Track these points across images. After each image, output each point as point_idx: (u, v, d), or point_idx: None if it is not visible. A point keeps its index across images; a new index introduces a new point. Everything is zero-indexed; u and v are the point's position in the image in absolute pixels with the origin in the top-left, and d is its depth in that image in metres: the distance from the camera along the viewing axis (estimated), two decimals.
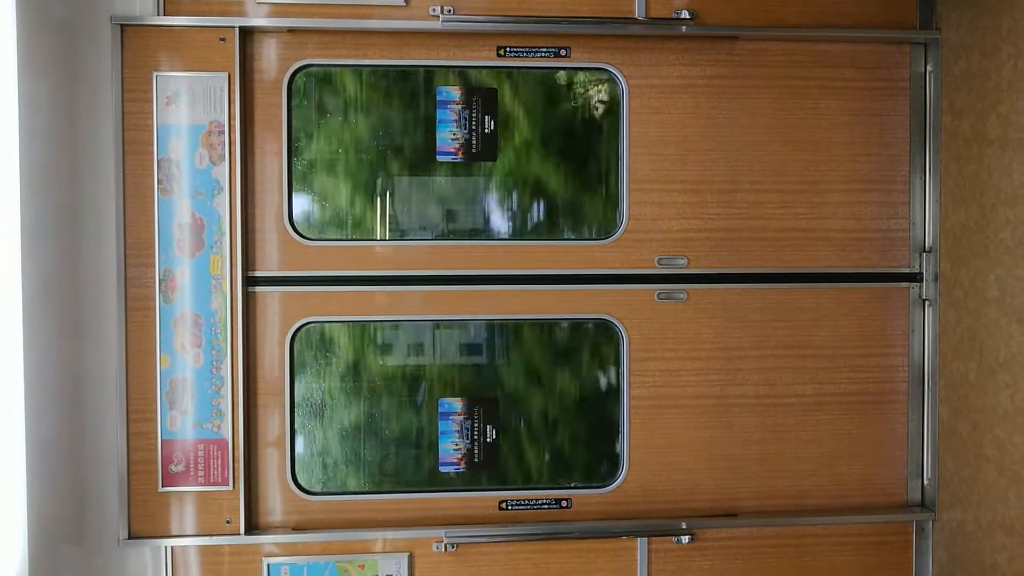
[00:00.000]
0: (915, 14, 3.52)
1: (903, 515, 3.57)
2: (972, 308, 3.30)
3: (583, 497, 3.53)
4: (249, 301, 3.34)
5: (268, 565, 3.35)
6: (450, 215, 3.61)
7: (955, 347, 3.41)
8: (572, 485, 3.58)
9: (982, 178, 3.24)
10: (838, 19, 3.48)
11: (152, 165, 3.24)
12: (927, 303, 3.55)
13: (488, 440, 3.53)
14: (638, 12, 3.39)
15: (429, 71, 3.47)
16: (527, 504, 3.49)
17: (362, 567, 3.39)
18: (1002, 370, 3.13)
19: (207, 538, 3.30)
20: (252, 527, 3.36)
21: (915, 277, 3.57)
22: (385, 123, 3.54)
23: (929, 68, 3.53)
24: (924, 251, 3.55)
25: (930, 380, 3.54)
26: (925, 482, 3.58)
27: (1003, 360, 3.12)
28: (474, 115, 3.48)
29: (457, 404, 3.55)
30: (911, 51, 3.55)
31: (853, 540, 3.57)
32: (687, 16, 3.37)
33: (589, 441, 3.64)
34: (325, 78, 3.44)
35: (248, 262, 3.33)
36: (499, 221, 3.57)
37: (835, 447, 3.57)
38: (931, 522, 3.55)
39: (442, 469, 3.54)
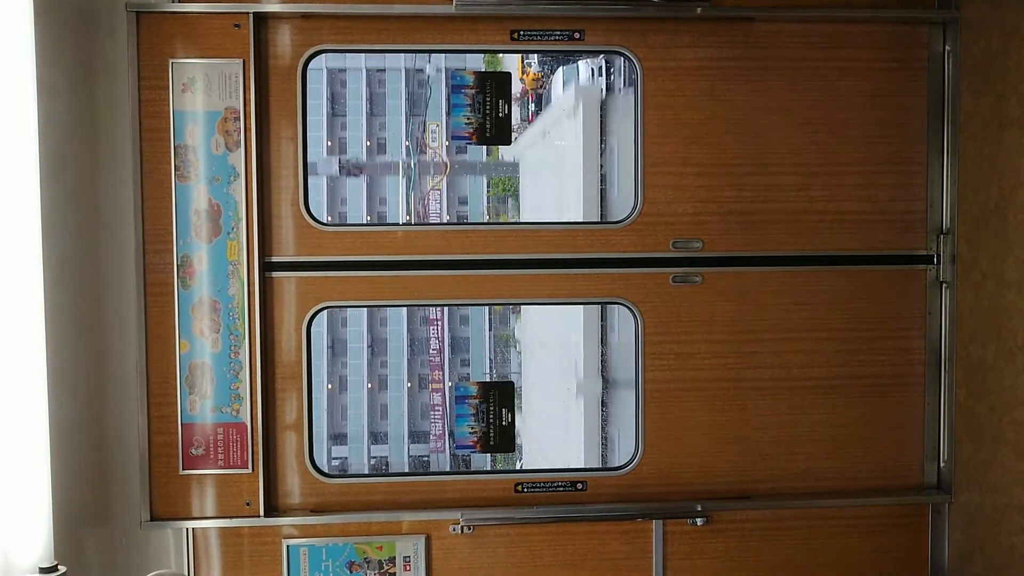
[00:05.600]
0: None
1: (919, 497, 3.57)
2: (990, 290, 3.28)
3: (598, 479, 3.55)
4: (266, 286, 3.37)
5: (287, 547, 3.40)
6: None
7: (973, 329, 3.39)
8: (587, 468, 3.60)
9: (1001, 159, 3.21)
10: None
11: (169, 152, 3.26)
12: (944, 285, 3.53)
13: (504, 423, 3.56)
14: None
15: None
16: (543, 486, 3.51)
17: (380, 549, 3.43)
18: (1020, 352, 3.11)
19: (227, 520, 3.35)
20: (271, 509, 3.40)
21: (932, 259, 3.54)
22: None
23: (948, 48, 3.48)
24: (942, 233, 3.53)
25: (947, 362, 3.52)
26: (941, 464, 3.57)
27: (1021, 342, 3.11)
28: (488, 99, 3.47)
29: (473, 388, 3.57)
30: (929, 31, 3.50)
31: (869, 522, 3.57)
32: None
33: None
34: None
35: (265, 247, 3.35)
36: None
37: (851, 430, 3.56)
38: (947, 505, 3.55)
39: (458, 452, 3.56)
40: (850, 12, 3.44)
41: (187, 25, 3.24)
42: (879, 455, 3.58)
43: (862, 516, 3.57)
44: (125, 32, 3.22)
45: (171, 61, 3.24)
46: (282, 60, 3.35)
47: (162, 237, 3.28)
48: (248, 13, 3.25)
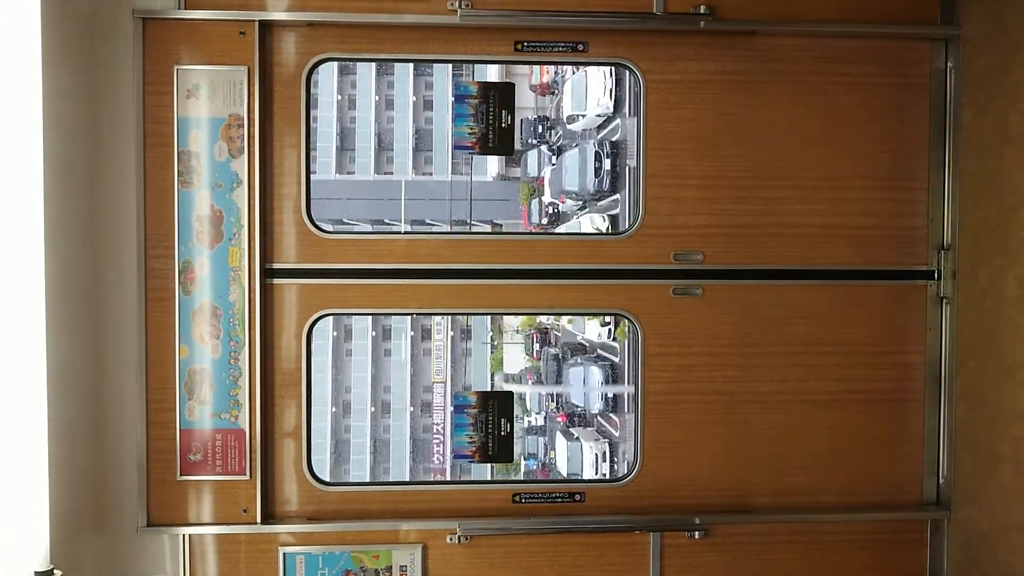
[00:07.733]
0: (936, 9, 3.49)
1: (918, 513, 3.56)
2: (990, 307, 3.28)
3: (597, 491, 3.54)
4: (267, 293, 3.37)
5: (284, 554, 3.39)
6: None
7: (972, 345, 3.39)
8: (586, 479, 3.59)
9: (1002, 176, 3.22)
10: (858, 14, 3.46)
11: (172, 157, 3.27)
12: (945, 301, 3.53)
13: (502, 433, 3.55)
14: (656, 7, 3.38)
15: None
16: (541, 497, 3.51)
17: (376, 558, 3.42)
18: (1020, 369, 3.11)
19: (224, 527, 3.34)
20: (268, 516, 3.39)
21: (933, 275, 3.55)
22: None
23: (950, 64, 3.50)
24: (942, 248, 3.53)
25: (947, 378, 3.52)
26: (940, 481, 3.57)
27: (1021, 359, 3.10)
28: (491, 109, 3.49)
29: (472, 398, 3.57)
30: (932, 47, 3.52)
31: (867, 537, 3.56)
32: (705, 11, 3.36)
33: None
34: None
35: (266, 254, 3.36)
36: None
37: (850, 444, 3.56)
38: (946, 521, 3.54)
39: (456, 461, 3.56)
40: (852, 27, 3.45)
41: (193, 32, 3.26)
42: (878, 470, 3.57)
43: (860, 531, 3.56)
44: (131, 38, 3.23)
45: (176, 67, 3.26)
46: (287, 68, 3.36)
47: (164, 242, 3.28)
48: (254, 21, 3.26)
